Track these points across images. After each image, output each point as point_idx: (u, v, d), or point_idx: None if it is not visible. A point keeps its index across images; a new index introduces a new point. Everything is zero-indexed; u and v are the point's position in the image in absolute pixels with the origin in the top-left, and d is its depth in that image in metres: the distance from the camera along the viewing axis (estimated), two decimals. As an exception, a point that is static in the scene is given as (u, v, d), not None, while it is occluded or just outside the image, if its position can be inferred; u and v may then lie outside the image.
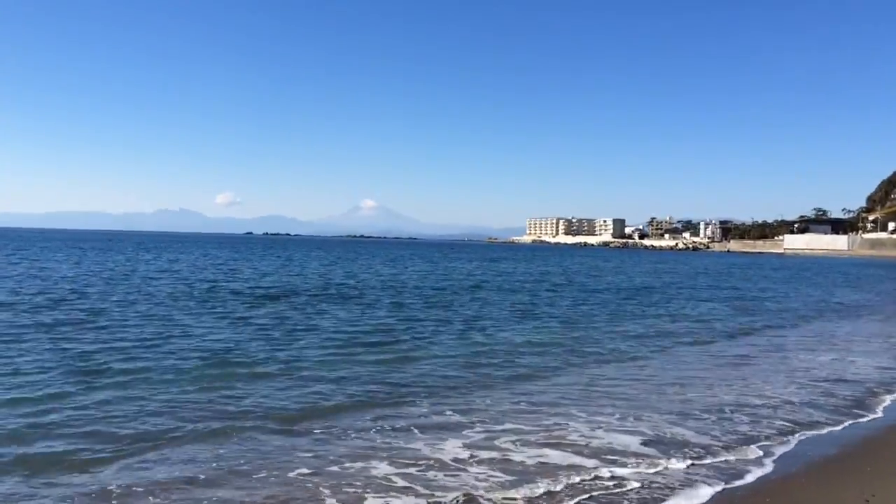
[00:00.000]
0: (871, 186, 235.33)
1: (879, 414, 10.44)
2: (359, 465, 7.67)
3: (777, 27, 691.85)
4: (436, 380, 12.06)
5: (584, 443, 8.59)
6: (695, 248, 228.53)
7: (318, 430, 8.94)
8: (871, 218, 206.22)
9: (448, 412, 9.93)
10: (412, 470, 7.56)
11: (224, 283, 31.43)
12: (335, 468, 7.55)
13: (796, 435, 9.16)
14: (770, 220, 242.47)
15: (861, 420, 10.06)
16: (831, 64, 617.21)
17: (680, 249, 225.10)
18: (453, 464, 7.76)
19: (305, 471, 7.43)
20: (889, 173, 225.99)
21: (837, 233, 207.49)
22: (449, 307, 24.26)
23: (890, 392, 11.81)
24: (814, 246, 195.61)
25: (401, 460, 7.83)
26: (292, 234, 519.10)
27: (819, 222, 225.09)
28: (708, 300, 31.37)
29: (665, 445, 8.55)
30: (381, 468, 7.58)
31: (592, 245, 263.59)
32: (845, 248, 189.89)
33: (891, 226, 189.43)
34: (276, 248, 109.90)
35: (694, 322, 22.36)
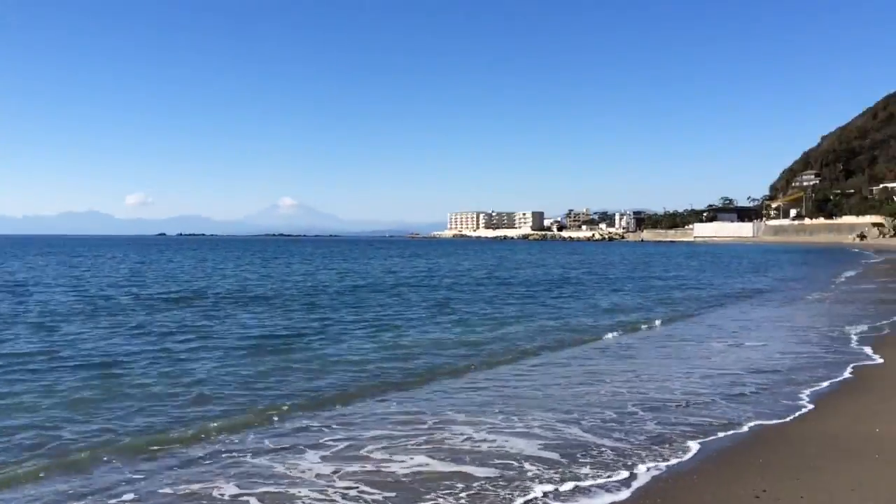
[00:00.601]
0: (774, 175, 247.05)
1: (777, 404, 10.33)
2: (196, 487, 6.91)
3: (684, 17, 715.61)
4: (315, 386, 11.37)
5: (468, 448, 8.08)
6: (611, 239, 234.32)
7: (160, 449, 8.12)
8: (773, 205, 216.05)
9: (307, 422, 9.27)
10: (264, 489, 6.84)
11: (124, 288, 29.73)
12: (168, 491, 6.78)
13: (691, 432, 8.90)
14: (681, 210, 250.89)
15: (756, 411, 9.90)
16: (736, 55, 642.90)
17: (597, 240, 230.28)
18: (315, 480, 7.07)
19: (128, 497, 6.65)
20: (790, 163, 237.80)
21: (743, 220, 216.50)
22: (362, 306, 23.52)
23: (791, 383, 11.76)
24: (722, 233, 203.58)
25: (251, 480, 7.10)
26: (208, 233, 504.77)
27: (726, 210, 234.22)
28: (619, 290, 31.70)
29: (560, 448, 8.11)
30: (227, 490, 6.84)
31: (513, 238, 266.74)
32: (751, 234, 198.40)
33: (792, 212, 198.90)
34: (185, 249, 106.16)
35: (603, 313, 22.36)
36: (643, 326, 19.22)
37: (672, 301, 26.88)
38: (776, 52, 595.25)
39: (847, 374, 12.21)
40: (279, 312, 21.46)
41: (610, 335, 17.32)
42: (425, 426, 9.02)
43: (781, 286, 35.07)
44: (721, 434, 8.73)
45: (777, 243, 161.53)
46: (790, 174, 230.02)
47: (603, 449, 8.06)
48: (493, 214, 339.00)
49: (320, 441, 8.38)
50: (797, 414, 9.64)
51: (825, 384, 11.42)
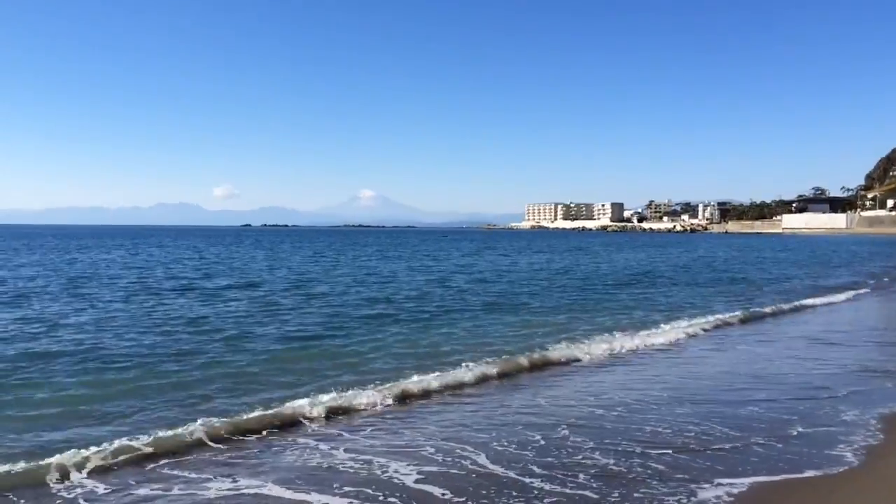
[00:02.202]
0: (870, 165, 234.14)
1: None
2: None
3: (771, 8, 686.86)
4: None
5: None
6: (692, 230, 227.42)
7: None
8: (869, 196, 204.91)
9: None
10: None
11: (184, 277, 30.26)
12: None
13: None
14: (768, 201, 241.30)
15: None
16: (829, 43, 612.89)
17: (678, 231, 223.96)
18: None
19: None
20: (888, 151, 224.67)
21: (836, 211, 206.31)
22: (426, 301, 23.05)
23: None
24: (812, 225, 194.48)
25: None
26: (290, 224, 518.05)
27: (817, 201, 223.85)
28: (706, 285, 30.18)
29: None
30: None
31: (591, 229, 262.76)
32: (844, 226, 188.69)
33: (889, 203, 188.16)
34: (264, 240, 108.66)
35: (662, 311, 21.17)
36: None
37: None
38: (875, 35, 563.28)
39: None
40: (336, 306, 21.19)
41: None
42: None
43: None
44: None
45: (873, 235, 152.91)
46: (887, 163, 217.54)
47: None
48: (572, 205, 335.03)
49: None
50: None
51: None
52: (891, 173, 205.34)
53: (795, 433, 8.47)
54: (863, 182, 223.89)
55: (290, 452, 7.81)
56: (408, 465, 7.36)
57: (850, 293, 26.53)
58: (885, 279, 34.05)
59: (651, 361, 13.15)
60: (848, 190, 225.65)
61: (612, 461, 7.46)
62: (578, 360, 13.03)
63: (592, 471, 7.19)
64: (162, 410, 9.34)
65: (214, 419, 8.61)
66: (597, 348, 13.80)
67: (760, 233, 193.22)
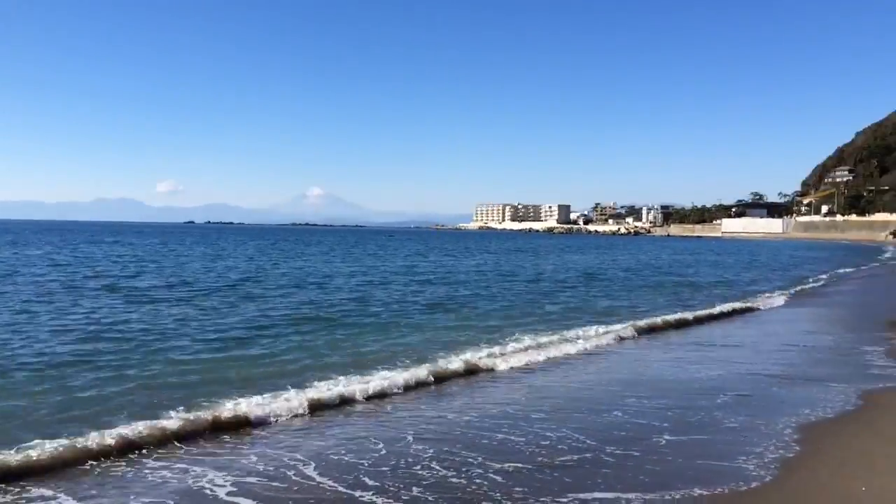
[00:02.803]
0: (806, 172, 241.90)
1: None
2: None
3: (714, 9, 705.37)
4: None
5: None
6: (636, 233, 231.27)
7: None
8: (805, 202, 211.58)
9: None
10: None
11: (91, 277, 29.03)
12: None
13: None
14: (709, 205, 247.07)
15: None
16: (770, 50, 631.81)
17: (622, 234, 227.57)
18: None
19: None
20: (823, 158, 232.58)
21: (773, 216, 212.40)
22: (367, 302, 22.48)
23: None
24: (750, 229, 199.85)
25: None
26: (236, 222, 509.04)
27: (756, 206, 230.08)
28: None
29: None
30: None
31: (538, 231, 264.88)
32: (780, 230, 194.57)
33: (823, 209, 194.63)
34: (208, 238, 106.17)
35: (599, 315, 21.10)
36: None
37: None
38: (811, 45, 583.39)
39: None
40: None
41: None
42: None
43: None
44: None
45: (807, 240, 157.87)
46: (823, 170, 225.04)
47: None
48: (520, 207, 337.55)
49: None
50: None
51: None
52: (825, 180, 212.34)
53: (664, 442, 8.27)
54: (799, 188, 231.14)
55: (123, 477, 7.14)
56: (226, 475, 7.05)
57: (780, 298, 26.97)
58: (812, 284, 34.81)
59: (553, 371, 12.74)
60: (785, 196, 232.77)
61: (452, 473, 7.15)
62: (484, 371, 12.44)
63: (427, 482, 6.90)
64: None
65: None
66: (506, 360, 13.09)
67: (701, 236, 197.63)
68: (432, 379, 11.47)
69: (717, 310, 21.74)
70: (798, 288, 32.09)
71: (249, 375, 11.51)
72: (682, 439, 8.41)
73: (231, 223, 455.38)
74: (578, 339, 15.75)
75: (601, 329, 17.03)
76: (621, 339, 16.19)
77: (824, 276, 39.16)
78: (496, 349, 14.09)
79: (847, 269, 45.54)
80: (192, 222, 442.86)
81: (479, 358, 13.07)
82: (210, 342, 14.40)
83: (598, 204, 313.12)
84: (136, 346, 13.72)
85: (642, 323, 17.99)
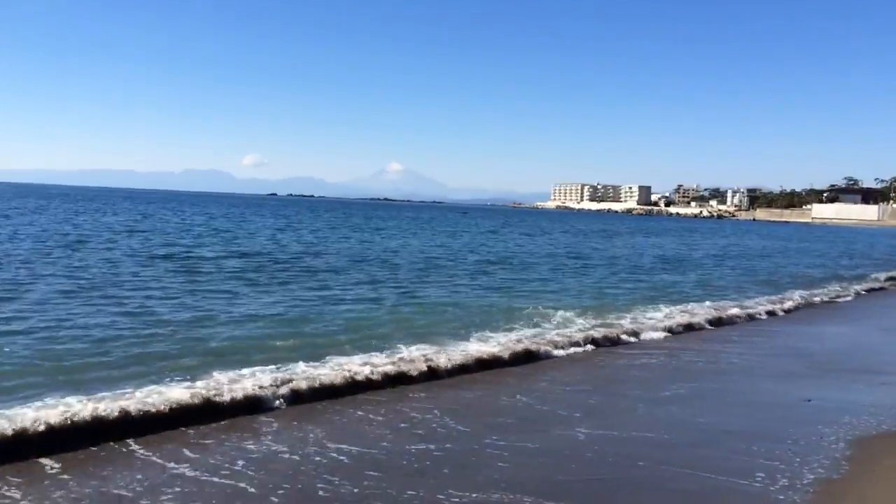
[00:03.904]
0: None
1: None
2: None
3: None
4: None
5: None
6: (720, 216, 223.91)
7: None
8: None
9: None
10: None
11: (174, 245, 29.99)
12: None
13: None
14: (799, 190, 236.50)
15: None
16: (868, 31, 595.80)
17: (704, 217, 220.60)
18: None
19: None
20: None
21: (868, 203, 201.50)
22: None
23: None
24: (843, 216, 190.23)
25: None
26: (317, 195, 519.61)
27: (850, 192, 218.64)
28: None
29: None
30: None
31: (616, 212, 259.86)
32: (875, 218, 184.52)
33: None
34: (287, 209, 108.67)
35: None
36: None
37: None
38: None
39: None
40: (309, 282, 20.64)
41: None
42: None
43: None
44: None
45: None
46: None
47: None
48: (599, 187, 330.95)
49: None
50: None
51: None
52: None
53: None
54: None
55: None
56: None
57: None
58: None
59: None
60: (882, 181, 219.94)
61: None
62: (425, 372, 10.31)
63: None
64: None
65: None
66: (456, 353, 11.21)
67: (788, 221, 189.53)
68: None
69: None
70: None
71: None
72: None
73: (312, 196, 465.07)
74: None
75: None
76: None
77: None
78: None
79: None
80: (275, 194, 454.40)
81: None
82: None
83: (681, 186, 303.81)
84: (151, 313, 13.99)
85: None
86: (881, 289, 25.99)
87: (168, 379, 8.96)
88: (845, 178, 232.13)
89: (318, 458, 6.68)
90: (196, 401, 8.11)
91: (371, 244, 37.11)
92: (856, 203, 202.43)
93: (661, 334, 14.26)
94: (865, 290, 24.82)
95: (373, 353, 10.79)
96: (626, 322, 14.93)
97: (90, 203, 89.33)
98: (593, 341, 12.91)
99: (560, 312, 15.44)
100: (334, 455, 6.76)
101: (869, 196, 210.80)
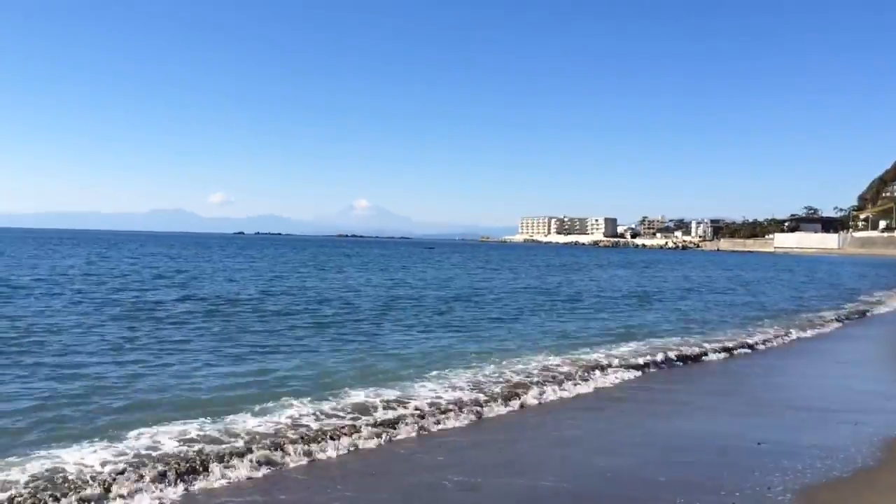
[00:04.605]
0: (863, 186, 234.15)
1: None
2: None
3: (767, 27, 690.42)
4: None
5: None
6: (685, 247, 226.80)
7: None
8: (862, 216, 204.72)
9: None
10: None
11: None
12: None
13: None
14: (761, 219, 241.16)
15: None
16: (824, 64, 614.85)
17: (670, 248, 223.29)
18: None
19: None
20: (881, 172, 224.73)
21: (828, 231, 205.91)
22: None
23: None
24: (804, 244, 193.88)
25: None
26: (284, 233, 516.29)
27: (810, 221, 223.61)
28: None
29: None
30: None
31: (584, 244, 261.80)
32: (836, 246, 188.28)
33: (881, 224, 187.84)
34: (252, 248, 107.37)
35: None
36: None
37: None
38: (869, 53, 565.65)
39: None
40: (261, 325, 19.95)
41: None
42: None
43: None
44: None
45: (864, 256, 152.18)
46: (881, 184, 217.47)
47: None
48: (565, 220, 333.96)
49: None
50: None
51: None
52: (883, 194, 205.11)
53: None
54: (855, 203, 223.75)
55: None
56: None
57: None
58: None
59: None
60: (840, 210, 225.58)
61: None
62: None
63: None
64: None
65: None
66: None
67: (752, 251, 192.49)
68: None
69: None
70: None
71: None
72: None
73: (279, 234, 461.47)
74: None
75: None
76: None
77: None
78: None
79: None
80: (242, 233, 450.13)
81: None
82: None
83: (646, 217, 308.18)
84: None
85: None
86: (846, 319, 25.96)
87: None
88: (805, 208, 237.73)
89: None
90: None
91: (333, 282, 36.45)
92: (816, 232, 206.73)
93: (615, 378, 13.75)
94: (837, 319, 24.98)
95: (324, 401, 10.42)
96: (578, 370, 14.42)
97: (42, 247, 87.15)
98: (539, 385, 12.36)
99: (508, 359, 14.93)
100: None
101: (829, 225, 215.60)
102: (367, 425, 9.40)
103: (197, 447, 8.19)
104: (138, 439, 8.46)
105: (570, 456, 8.54)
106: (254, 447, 8.30)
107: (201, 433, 8.81)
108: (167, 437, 8.60)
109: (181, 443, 8.41)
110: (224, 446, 8.27)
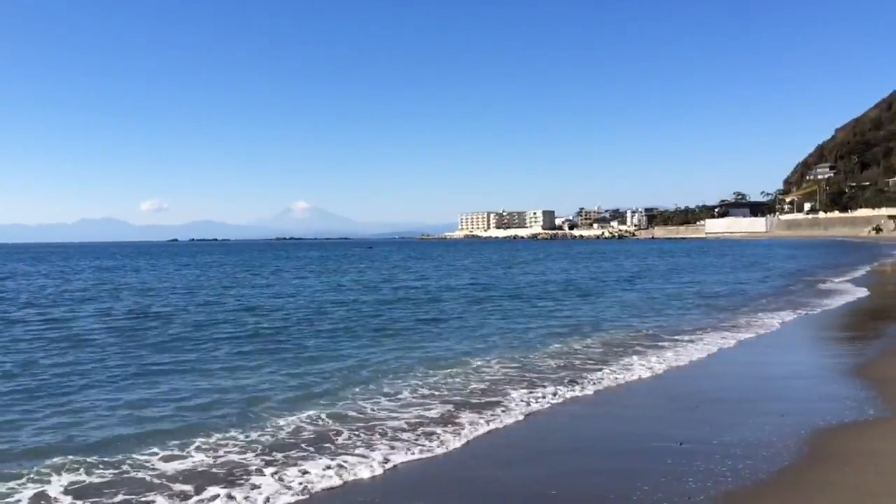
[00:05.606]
0: (788, 169, 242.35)
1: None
2: None
3: (694, 12, 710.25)
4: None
5: None
6: (621, 237, 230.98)
7: None
8: (787, 200, 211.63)
9: None
10: None
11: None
12: None
13: None
14: (693, 206, 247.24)
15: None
16: (749, 49, 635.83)
17: (606, 238, 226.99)
18: None
19: None
20: (804, 156, 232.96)
21: (756, 215, 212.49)
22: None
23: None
24: (734, 229, 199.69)
25: None
26: (220, 238, 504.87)
27: (739, 206, 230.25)
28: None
29: None
30: None
31: (523, 237, 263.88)
32: (764, 229, 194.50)
33: (806, 206, 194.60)
34: (183, 256, 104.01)
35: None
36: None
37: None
38: (789, 44, 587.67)
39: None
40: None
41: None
42: None
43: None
44: None
45: (791, 238, 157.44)
46: (804, 167, 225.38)
47: None
48: (504, 214, 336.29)
49: None
50: None
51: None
52: (807, 177, 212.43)
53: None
54: (781, 187, 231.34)
55: None
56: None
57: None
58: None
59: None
60: (767, 195, 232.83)
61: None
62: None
63: None
64: None
65: None
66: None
67: (685, 237, 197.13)
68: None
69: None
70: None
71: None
72: None
73: (215, 240, 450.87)
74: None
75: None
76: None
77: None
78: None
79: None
80: (176, 240, 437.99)
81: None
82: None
83: (583, 209, 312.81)
84: None
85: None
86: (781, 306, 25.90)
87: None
88: (734, 193, 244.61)
89: None
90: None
91: (262, 289, 35.07)
92: (745, 216, 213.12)
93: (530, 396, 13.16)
94: (770, 305, 24.93)
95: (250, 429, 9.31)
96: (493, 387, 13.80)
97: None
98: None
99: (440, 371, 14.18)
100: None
101: (756, 209, 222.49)
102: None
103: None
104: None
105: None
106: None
107: (100, 480, 7.39)
108: (58, 491, 7.08)
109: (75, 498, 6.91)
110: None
